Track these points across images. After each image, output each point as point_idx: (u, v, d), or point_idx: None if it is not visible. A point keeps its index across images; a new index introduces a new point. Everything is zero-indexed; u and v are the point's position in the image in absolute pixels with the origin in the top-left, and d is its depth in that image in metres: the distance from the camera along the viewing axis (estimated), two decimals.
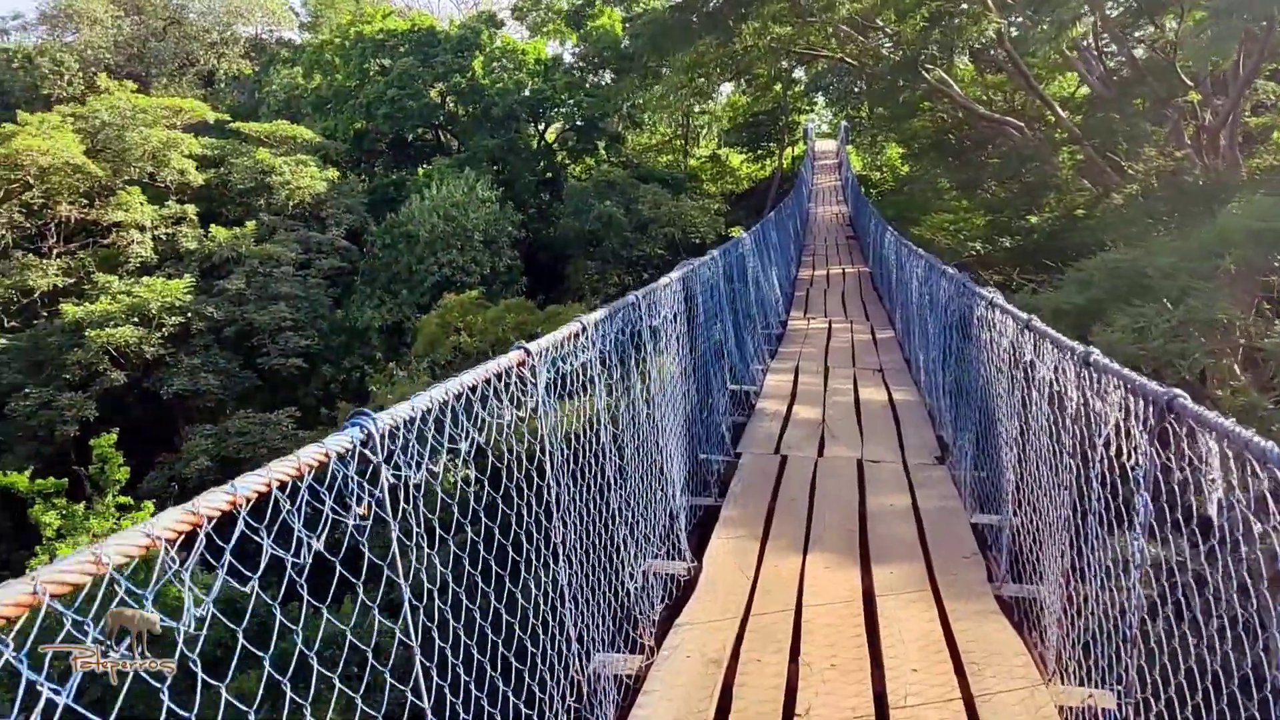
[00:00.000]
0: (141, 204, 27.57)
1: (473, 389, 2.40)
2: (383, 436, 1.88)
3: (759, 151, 44.72)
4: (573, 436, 3.32)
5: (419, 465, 2.03)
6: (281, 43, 45.18)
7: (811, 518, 5.72)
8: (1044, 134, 25.71)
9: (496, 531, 2.53)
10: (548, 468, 2.97)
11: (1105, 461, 3.35)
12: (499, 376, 2.66)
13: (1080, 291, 13.67)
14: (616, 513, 3.80)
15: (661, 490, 4.76)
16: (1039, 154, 24.47)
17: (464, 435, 2.28)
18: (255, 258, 27.50)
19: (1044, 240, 23.98)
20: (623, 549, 3.89)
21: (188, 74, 40.85)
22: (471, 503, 2.44)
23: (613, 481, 3.77)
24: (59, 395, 23.12)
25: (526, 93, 36.39)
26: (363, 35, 36.27)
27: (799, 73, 41.75)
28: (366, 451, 1.84)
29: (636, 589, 4.02)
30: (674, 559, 4.88)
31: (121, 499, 15.44)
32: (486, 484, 2.53)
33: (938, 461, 7.28)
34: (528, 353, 2.88)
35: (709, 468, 6.44)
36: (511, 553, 2.57)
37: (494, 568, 2.46)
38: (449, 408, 2.22)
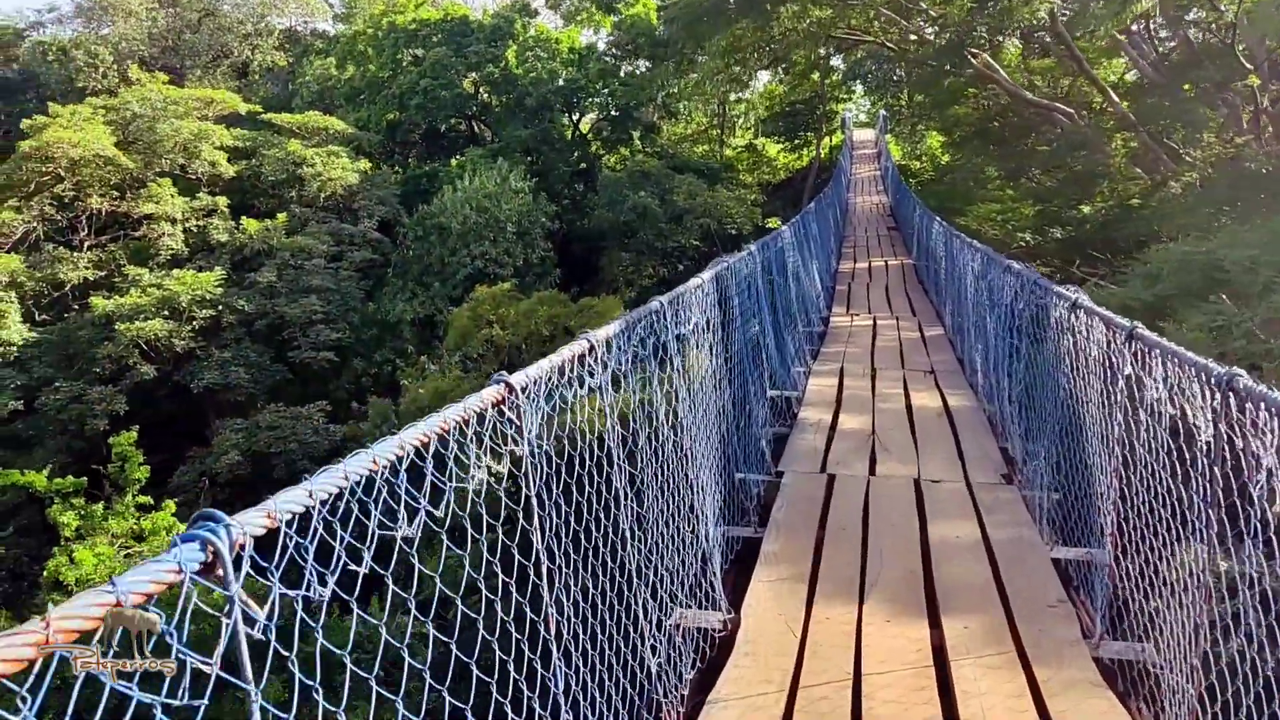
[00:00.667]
0: (172, 196, 27.37)
1: (423, 447, 1.71)
2: (241, 551, 1.20)
3: (796, 141, 43.85)
4: (574, 488, 2.61)
5: (323, 581, 1.36)
6: (315, 34, 45.05)
7: (866, 553, 4.96)
8: (1093, 121, 24.51)
9: (454, 647, 1.82)
10: (535, 539, 2.26)
11: (1263, 515, 2.59)
12: (466, 423, 1.96)
13: (1147, 286, 12.72)
14: (634, 574, 3.08)
15: (692, 532, 4.03)
16: (1090, 141, 23.32)
17: (404, 520, 1.59)
18: (286, 250, 27.22)
19: (1097, 231, 22.87)
20: (641, 617, 3.16)
21: (222, 66, 40.79)
22: (413, 613, 1.73)
23: (629, 536, 3.05)
24: (89, 389, 23.00)
25: (560, 82, 35.84)
26: (396, 25, 35.92)
27: (837, 60, 40.73)
28: (209, 582, 1.16)
29: (660, 663, 3.31)
30: (707, 608, 4.16)
31: (142, 498, 15.08)
32: (439, 579, 1.83)
33: (1004, 480, 6.49)
34: (510, 389, 2.17)
35: (747, 491, 5.70)
36: (477, 671, 1.87)
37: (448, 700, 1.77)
38: (378, 485, 1.53)
